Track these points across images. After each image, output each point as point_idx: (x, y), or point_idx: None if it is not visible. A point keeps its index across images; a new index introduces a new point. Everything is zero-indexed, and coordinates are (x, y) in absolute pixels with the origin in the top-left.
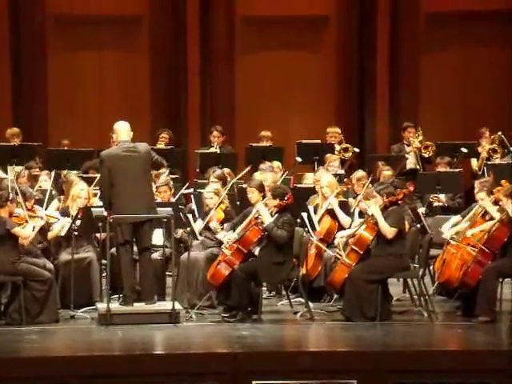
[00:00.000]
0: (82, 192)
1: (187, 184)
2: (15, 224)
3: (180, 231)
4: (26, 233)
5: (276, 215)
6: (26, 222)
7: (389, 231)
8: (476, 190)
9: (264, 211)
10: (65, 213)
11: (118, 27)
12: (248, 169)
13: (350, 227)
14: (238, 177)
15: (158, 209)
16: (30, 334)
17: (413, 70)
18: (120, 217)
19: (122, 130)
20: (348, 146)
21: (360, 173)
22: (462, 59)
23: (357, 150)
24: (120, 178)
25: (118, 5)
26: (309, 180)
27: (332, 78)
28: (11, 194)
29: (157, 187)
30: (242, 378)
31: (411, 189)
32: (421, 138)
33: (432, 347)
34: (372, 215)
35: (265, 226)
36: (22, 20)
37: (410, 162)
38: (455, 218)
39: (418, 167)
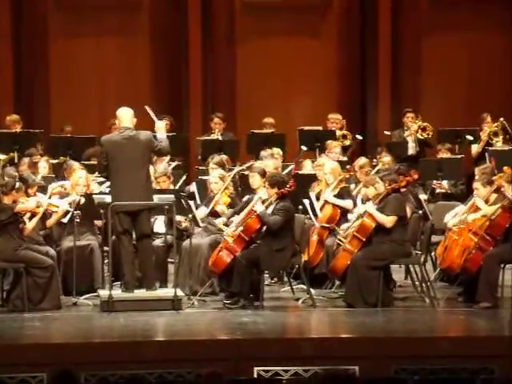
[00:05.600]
0: (80, 180)
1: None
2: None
3: (181, 218)
4: (31, 204)
5: (275, 203)
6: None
7: (387, 221)
8: (476, 177)
9: (258, 199)
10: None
11: (119, 12)
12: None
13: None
14: (243, 167)
15: (160, 196)
16: (32, 320)
17: (415, 55)
18: (119, 204)
19: (125, 117)
20: (347, 133)
21: (362, 160)
22: (466, 43)
23: (360, 137)
24: (118, 164)
25: None
26: (307, 168)
27: (333, 64)
28: (18, 183)
29: (155, 177)
30: (243, 364)
31: (415, 177)
32: (420, 123)
33: (434, 333)
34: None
35: (257, 212)
36: (24, 5)
37: (410, 148)
38: (459, 208)
39: (416, 151)
